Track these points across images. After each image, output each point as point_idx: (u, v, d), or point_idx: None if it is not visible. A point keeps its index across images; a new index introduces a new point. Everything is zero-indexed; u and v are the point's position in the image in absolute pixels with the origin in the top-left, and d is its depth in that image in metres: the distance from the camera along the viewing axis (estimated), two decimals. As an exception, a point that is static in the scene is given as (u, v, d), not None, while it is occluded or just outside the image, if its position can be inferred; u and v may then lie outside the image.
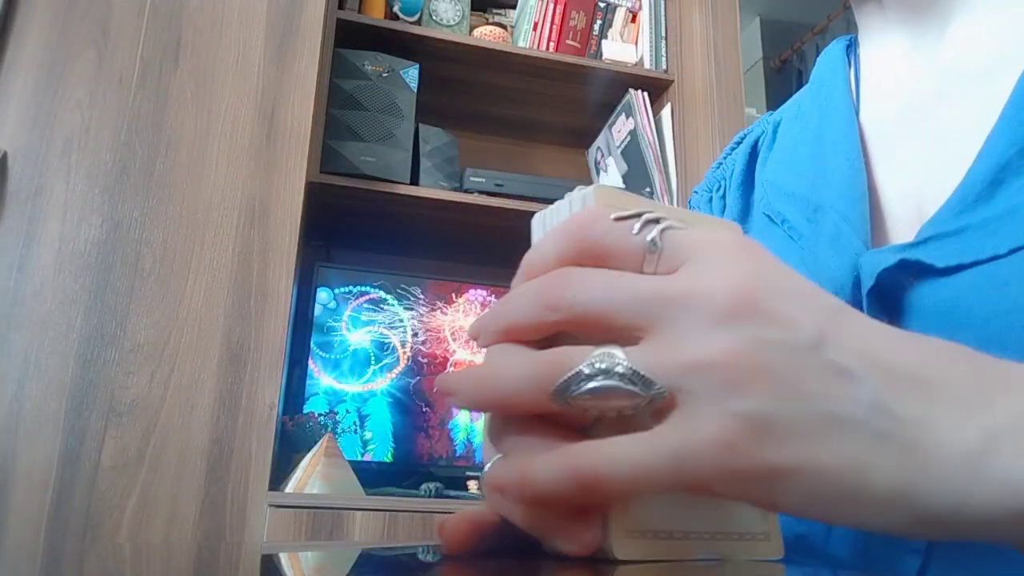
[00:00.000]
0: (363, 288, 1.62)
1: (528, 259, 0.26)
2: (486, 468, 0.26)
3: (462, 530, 0.26)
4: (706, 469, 0.21)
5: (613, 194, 0.27)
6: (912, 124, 0.42)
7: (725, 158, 0.57)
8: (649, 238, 0.24)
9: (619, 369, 0.22)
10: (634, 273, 0.24)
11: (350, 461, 1.32)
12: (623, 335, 0.23)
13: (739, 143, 0.57)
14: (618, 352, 0.22)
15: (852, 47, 0.50)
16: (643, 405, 0.22)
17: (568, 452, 0.22)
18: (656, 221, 0.25)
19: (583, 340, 0.24)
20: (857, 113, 0.46)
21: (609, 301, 0.23)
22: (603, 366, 0.22)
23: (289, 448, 1.38)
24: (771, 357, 0.22)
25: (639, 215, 0.25)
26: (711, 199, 0.56)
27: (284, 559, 0.39)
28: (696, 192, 0.59)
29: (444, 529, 0.26)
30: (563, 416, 0.24)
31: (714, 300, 0.22)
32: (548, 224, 0.28)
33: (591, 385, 0.22)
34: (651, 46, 1.85)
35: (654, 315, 0.23)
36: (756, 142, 0.54)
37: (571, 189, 0.28)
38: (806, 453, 0.21)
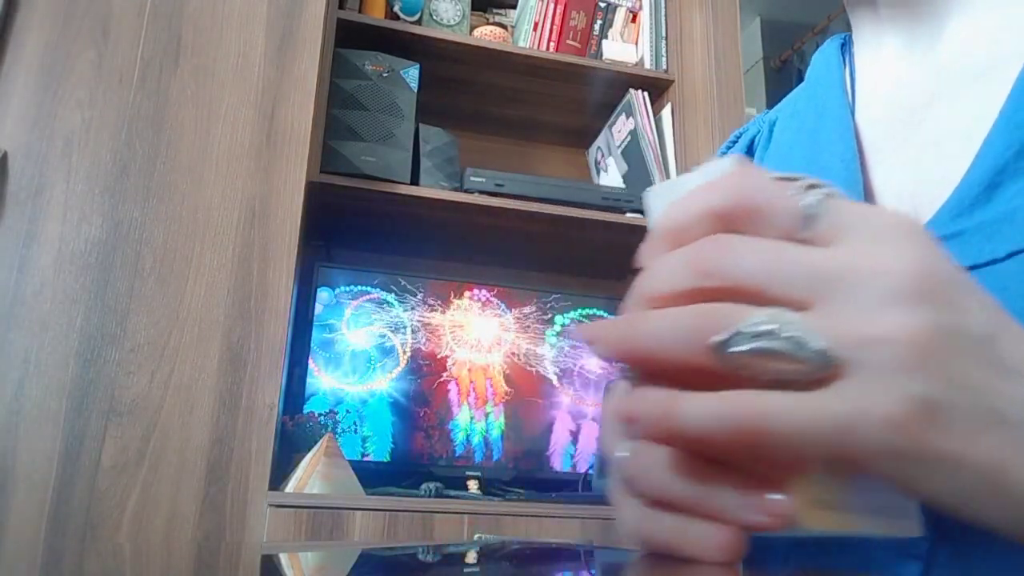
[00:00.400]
0: (363, 288, 1.62)
1: (671, 217, 0.25)
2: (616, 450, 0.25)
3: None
4: (870, 443, 0.21)
5: (754, 166, 0.26)
6: (908, 126, 0.42)
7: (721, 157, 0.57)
8: (807, 202, 0.23)
9: (788, 332, 0.22)
10: (793, 242, 0.23)
11: (350, 461, 1.32)
12: (780, 304, 0.23)
13: (735, 142, 0.57)
14: (788, 315, 0.22)
15: (847, 46, 0.50)
16: (806, 372, 0.22)
17: (731, 397, 0.22)
18: (816, 186, 0.24)
19: None
20: (852, 114, 0.46)
21: (772, 270, 0.23)
22: (771, 327, 0.22)
23: (289, 448, 1.38)
24: (948, 343, 0.22)
25: (798, 178, 0.24)
26: None
27: (284, 559, 0.39)
28: None
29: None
30: (707, 377, 0.23)
31: (894, 278, 0.22)
32: (669, 197, 0.26)
33: (756, 344, 0.22)
34: (651, 46, 1.85)
35: (822, 287, 0.22)
36: (752, 141, 0.54)
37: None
38: (967, 444, 0.22)
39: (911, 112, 0.42)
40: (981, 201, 0.34)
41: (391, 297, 1.63)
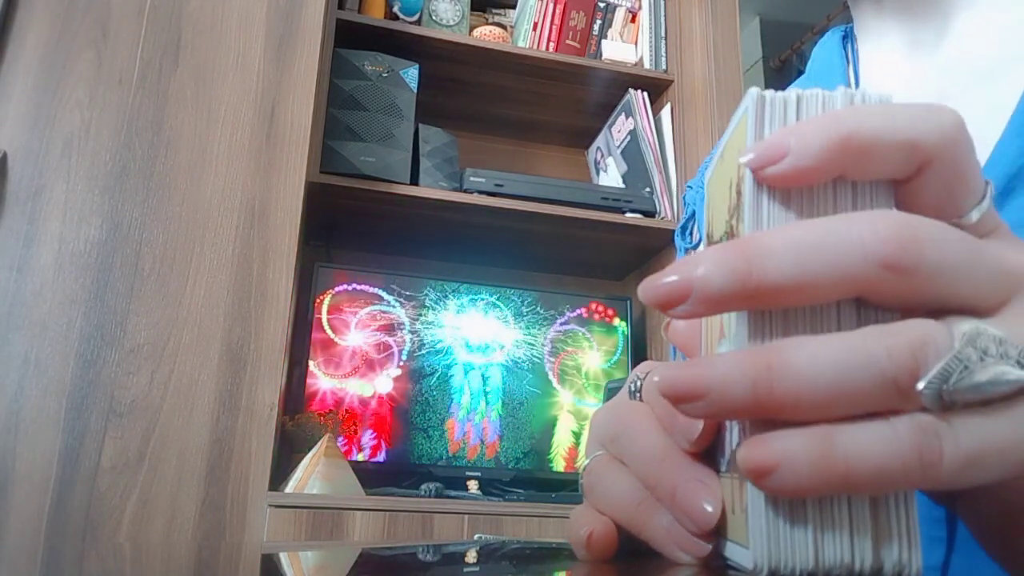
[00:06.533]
0: (363, 288, 1.62)
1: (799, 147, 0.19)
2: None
3: (611, 539, 0.25)
4: None
5: None
6: None
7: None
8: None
9: (1011, 351, 0.17)
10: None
11: (350, 461, 1.32)
12: (958, 311, 0.19)
13: None
14: (990, 328, 0.18)
15: (848, 39, 0.49)
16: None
17: (920, 425, 0.17)
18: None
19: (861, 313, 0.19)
20: None
21: (969, 264, 0.18)
22: (991, 348, 0.17)
23: (289, 448, 1.38)
24: None
25: None
26: None
27: (284, 559, 0.39)
28: (690, 187, 0.58)
29: (593, 539, 0.24)
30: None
31: None
32: (784, 115, 0.20)
33: (986, 376, 0.17)
34: (651, 46, 1.85)
35: (1012, 288, 0.19)
36: None
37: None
38: None
39: None
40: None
41: (391, 297, 1.63)
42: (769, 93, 0.20)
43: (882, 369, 0.17)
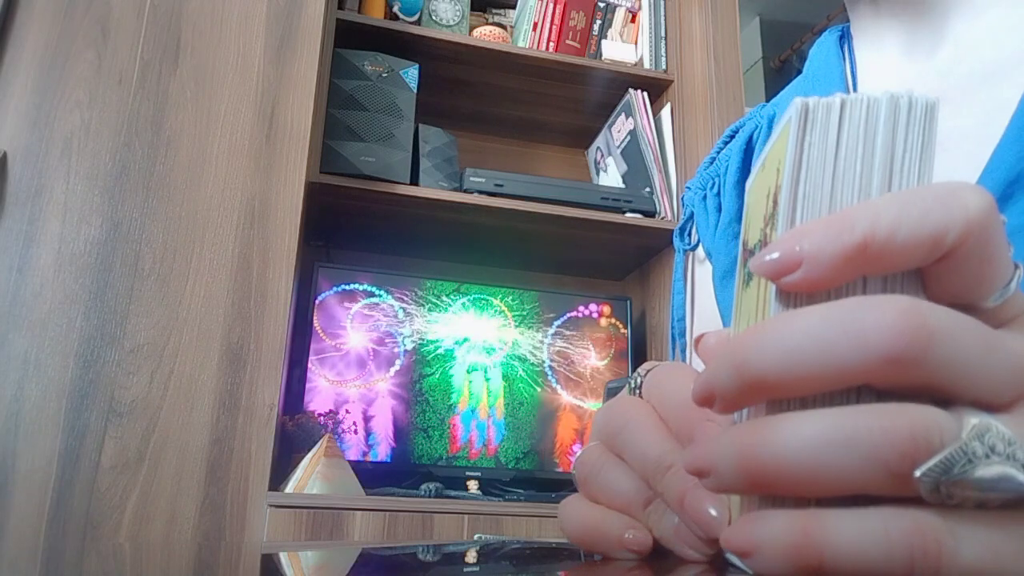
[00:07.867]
0: (362, 288, 1.62)
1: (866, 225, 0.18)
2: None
3: (650, 542, 0.25)
4: None
5: None
6: None
7: (718, 153, 0.56)
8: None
9: (1019, 454, 0.17)
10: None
11: (350, 461, 1.32)
12: (968, 403, 0.18)
13: (732, 136, 0.56)
14: (1000, 426, 0.17)
15: (845, 38, 0.49)
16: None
17: (909, 518, 0.17)
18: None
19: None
20: None
21: (980, 359, 0.17)
22: (999, 446, 0.17)
23: (289, 448, 1.38)
24: None
25: None
26: (705, 196, 0.55)
27: (284, 559, 0.39)
28: (689, 188, 0.58)
29: (638, 545, 0.25)
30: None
31: None
32: (827, 122, 0.20)
33: (989, 473, 0.16)
34: (651, 46, 1.85)
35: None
36: (751, 136, 0.53)
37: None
38: None
39: None
40: None
41: (390, 297, 1.63)
42: (812, 100, 0.20)
43: (871, 450, 0.16)
